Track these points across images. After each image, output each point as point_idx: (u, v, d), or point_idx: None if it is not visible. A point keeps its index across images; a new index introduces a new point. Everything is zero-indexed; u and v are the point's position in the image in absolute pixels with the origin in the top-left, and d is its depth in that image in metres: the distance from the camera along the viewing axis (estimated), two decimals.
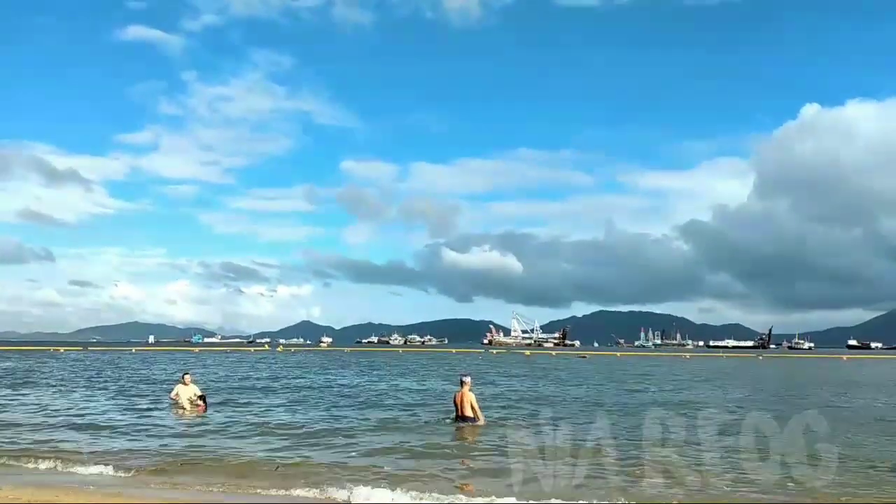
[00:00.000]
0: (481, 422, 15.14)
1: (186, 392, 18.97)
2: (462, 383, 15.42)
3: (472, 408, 15.18)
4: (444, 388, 27.28)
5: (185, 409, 18.43)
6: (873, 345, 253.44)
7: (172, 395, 19.32)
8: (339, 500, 8.72)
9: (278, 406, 20.58)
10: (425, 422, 16.45)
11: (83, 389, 26.23)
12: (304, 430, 15.08)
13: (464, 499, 8.72)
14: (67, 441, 13.31)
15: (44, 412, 18.30)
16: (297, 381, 33.31)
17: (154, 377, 34.59)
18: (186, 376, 19.83)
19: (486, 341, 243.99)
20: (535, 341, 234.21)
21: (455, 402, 15.57)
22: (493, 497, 8.66)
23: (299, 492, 9.21)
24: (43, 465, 11.08)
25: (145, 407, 19.54)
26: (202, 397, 18.91)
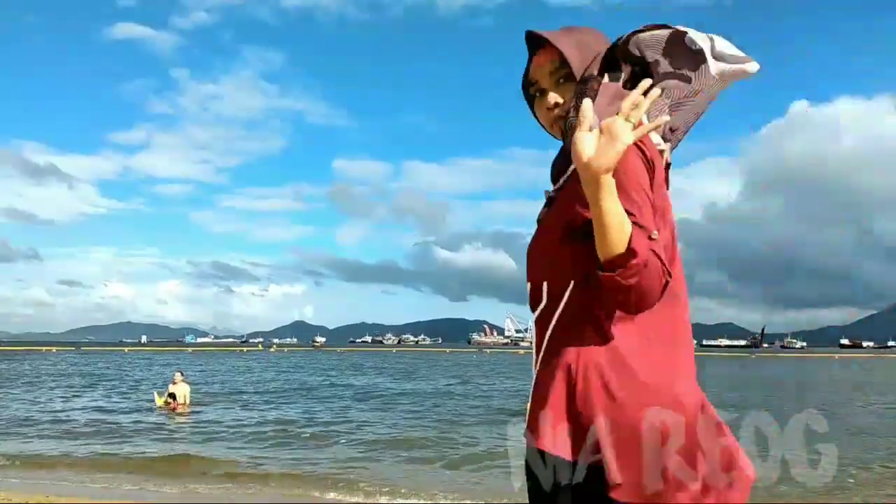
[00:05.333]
0: None
1: (179, 391, 18.74)
2: None
3: None
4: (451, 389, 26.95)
5: (174, 408, 18.22)
6: (865, 343, 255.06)
7: (162, 400, 18.98)
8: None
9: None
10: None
11: (72, 391, 25.96)
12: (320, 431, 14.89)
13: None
14: (58, 444, 13.10)
15: (31, 414, 18.06)
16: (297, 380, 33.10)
17: (148, 379, 34.33)
18: (177, 375, 19.61)
19: (467, 341, 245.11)
20: (511, 340, 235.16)
21: None
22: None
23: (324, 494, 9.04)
24: (31, 468, 10.88)
25: (133, 408, 19.32)
26: (172, 395, 18.69)
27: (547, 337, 1.46)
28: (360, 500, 8.58)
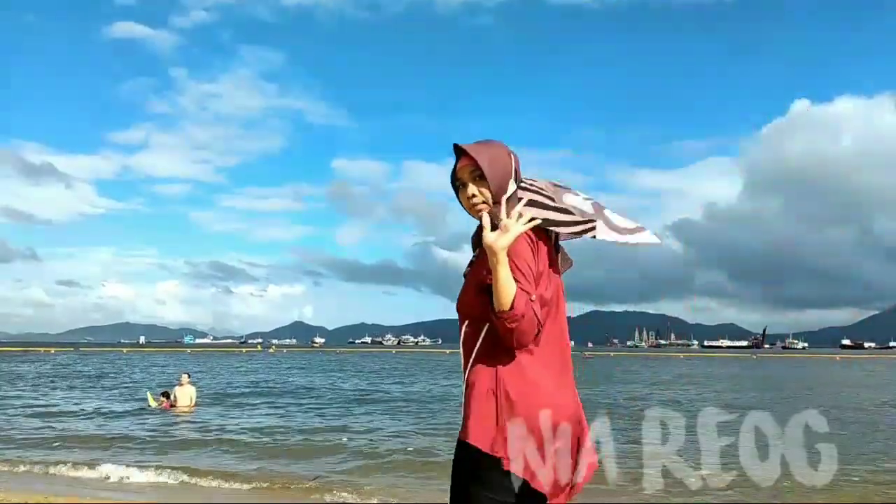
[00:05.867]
0: None
1: (184, 393, 18.69)
2: None
3: None
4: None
5: (167, 408, 18.21)
6: (867, 344, 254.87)
7: (154, 400, 18.94)
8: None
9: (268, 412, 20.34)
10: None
11: (71, 392, 25.94)
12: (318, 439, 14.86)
13: None
14: (55, 444, 13.08)
15: (29, 415, 18.04)
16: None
17: (147, 379, 34.30)
18: (184, 377, 19.53)
19: None
20: None
21: None
22: None
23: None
24: (30, 469, 10.85)
25: (131, 409, 19.28)
26: (165, 394, 18.63)
27: (471, 360, 2.17)
28: (361, 502, 8.56)
